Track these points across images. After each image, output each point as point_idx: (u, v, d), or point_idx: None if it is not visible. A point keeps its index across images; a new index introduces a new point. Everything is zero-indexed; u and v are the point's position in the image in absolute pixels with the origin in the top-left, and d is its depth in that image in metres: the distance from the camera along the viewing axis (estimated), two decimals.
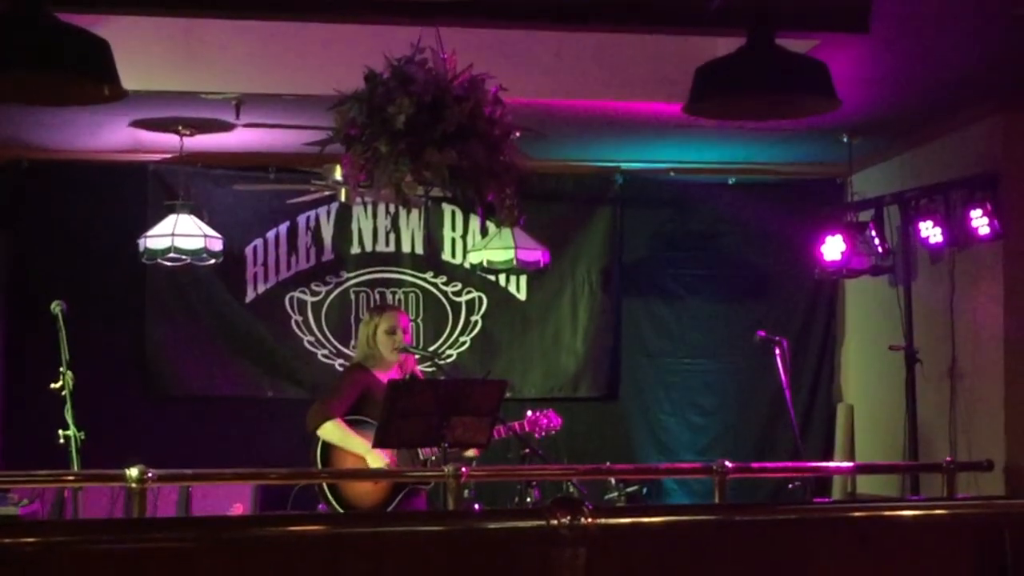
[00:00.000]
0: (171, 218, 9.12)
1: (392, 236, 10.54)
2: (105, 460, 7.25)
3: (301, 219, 10.40)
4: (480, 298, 10.62)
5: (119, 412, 9.91)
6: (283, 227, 10.39)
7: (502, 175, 6.46)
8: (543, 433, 8.23)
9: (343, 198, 8.89)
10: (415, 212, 10.32)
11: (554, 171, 10.24)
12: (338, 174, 8.25)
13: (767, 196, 10.74)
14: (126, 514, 7.58)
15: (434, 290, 10.58)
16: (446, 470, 6.15)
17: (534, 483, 8.42)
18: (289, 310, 10.41)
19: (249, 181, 10.04)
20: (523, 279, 10.60)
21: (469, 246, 10.36)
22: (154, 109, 8.54)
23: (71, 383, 7.43)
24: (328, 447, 7.53)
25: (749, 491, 9.65)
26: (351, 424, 7.53)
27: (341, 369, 9.79)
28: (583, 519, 2.88)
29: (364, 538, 2.89)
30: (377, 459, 7.42)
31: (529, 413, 8.29)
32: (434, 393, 6.93)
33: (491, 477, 8.34)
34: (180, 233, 9.05)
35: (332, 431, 7.51)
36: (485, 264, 9.63)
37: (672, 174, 10.69)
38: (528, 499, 8.38)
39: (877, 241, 9.49)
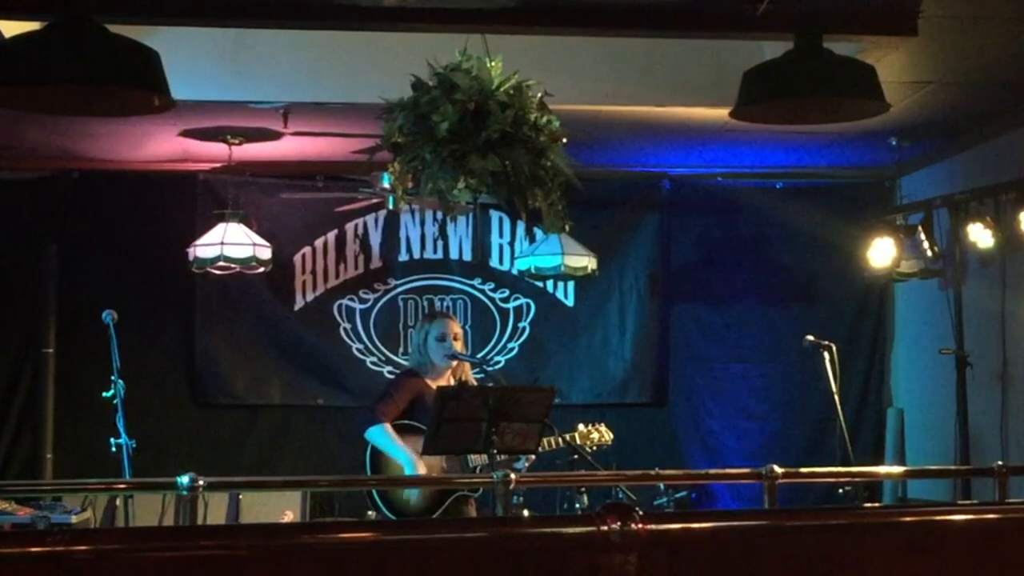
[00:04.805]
0: (220, 227, 9.18)
1: (440, 243, 10.56)
2: (156, 468, 7.31)
3: (349, 227, 10.43)
4: (528, 304, 10.62)
5: (169, 420, 9.99)
6: (331, 235, 10.42)
7: (547, 181, 6.46)
8: (595, 447, 8.20)
9: (391, 205, 8.90)
10: (463, 219, 10.32)
11: (601, 177, 10.24)
12: (386, 182, 8.27)
13: (815, 200, 10.69)
14: (176, 521, 7.62)
15: (482, 297, 10.59)
16: (495, 476, 6.14)
17: (582, 489, 8.41)
18: (338, 317, 10.44)
19: (297, 189, 10.09)
20: (571, 285, 10.59)
21: (517, 252, 10.36)
22: (203, 119, 8.59)
23: (122, 392, 7.48)
24: (377, 452, 7.53)
25: (799, 496, 9.60)
26: (402, 429, 7.52)
27: (390, 376, 9.81)
28: (633, 525, 2.87)
29: (413, 545, 2.89)
30: (419, 469, 7.39)
31: (581, 427, 8.24)
32: (483, 400, 6.91)
33: (540, 483, 8.32)
34: (229, 242, 9.09)
35: (378, 436, 7.50)
36: (533, 270, 9.62)
37: (720, 179, 10.67)
38: (577, 505, 8.37)
39: (926, 244, 9.44)
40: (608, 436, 8.21)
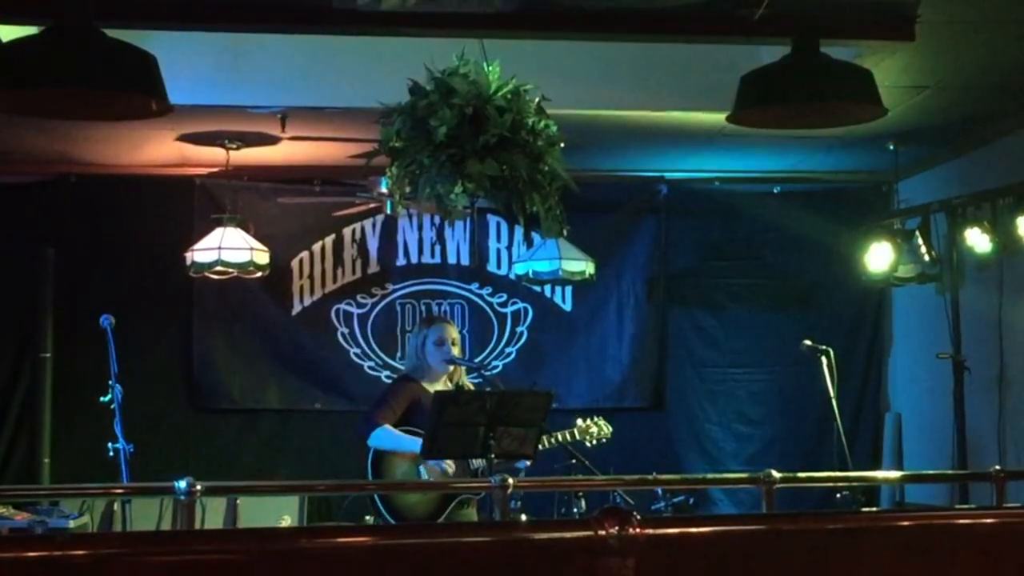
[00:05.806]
0: (218, 231, 9.17)
1: (437, 247, 10.55)
2: (153, 472, 7.30)
3: (347, 231, 10.42)
4: (526, 309, 10.61)
5: (167, 425, 9.98)
6: (329, 239, 10.41)
7: (545, 185, 6.46)
8: (594, 441, 8.20)
9: (388, 210, 8.90)
10: (460, 223, 10.30)
11: (599, 181, 10.21)
12: (383, 186, 8.27)
13: (813, 204, 10.69)
14: (174, 526, 7.62)
15: (480, 301, 10.58)
16: (492, 481, 6.14)
17: (580, 493, 8.40)
18: (335, 322, 10.43)
19: (295, 194, 10.08)
20: (568, 290, 10.58)
21: (514, 257, 10.36)
22: (200, 123, 8.59)
23: (120, 396, 7.47)
24: (379, 458, 7.50)
25: (797, 501, 9.59)
26: None
27: (388, 381, 9.80)
28: (631, 529, 2.88)
29: (411, 550, 2.89)
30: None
31: (579, 421, 8.23)
32: (481, 404, 6.91)
33: (537, 488, 8.32)
34: (227, 246, 9.09)
35: (383, 437, 7.49)
36: (530, 275, 9.63)
37: (717, 183, 10.66)
38: (575, 509, 8.37)
39: (924, 249, 9.43)
40: (607, 429, 8.23)
